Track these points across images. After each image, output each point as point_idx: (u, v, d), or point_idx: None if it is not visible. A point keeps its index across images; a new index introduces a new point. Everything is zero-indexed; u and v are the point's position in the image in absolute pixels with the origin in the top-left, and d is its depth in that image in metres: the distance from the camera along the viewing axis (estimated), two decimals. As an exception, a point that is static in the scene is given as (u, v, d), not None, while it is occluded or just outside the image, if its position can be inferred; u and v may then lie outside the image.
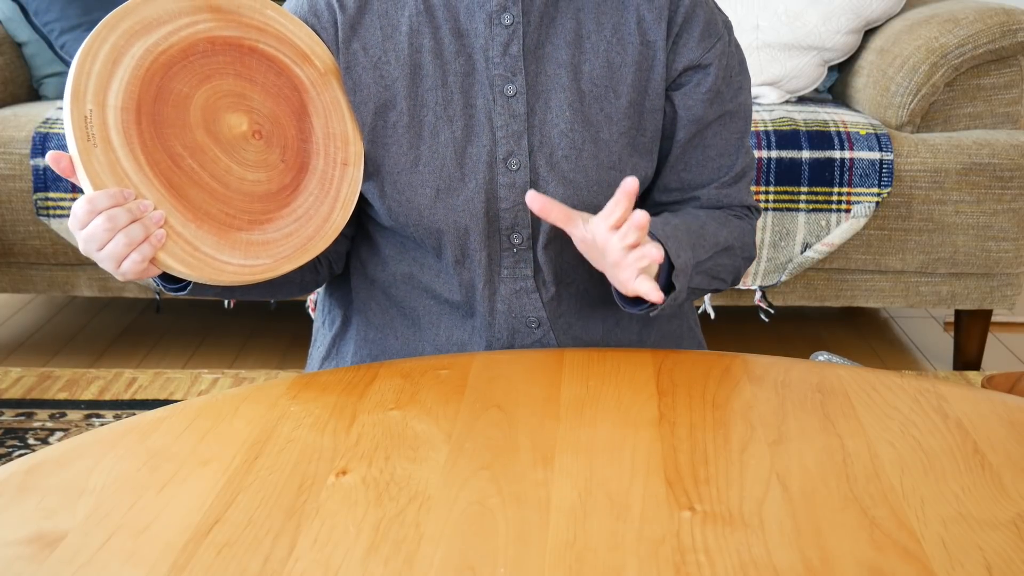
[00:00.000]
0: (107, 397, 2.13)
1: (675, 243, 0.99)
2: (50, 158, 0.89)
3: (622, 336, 1.12)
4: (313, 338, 1.22)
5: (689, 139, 1.08)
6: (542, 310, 1.08)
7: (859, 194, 2.05)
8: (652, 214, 1.11)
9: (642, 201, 1.14)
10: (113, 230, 0.88)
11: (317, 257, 1.09)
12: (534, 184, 1.04)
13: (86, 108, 0.90)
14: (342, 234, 1.10)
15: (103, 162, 0.90)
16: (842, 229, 2.07)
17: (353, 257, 1.14)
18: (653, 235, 0.99)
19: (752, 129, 2.08)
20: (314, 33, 1.04)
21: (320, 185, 1.02)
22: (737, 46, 1.09)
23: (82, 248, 0.91)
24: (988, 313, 2.26)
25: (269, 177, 0.99)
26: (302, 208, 1.00)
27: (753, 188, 2.04)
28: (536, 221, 1.05)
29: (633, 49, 1.05)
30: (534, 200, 0.92)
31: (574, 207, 1.03)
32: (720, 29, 1.07)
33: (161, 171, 0.93)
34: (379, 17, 1.04)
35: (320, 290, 1.21)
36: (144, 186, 0.92)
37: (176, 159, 0.95)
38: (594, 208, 1.05)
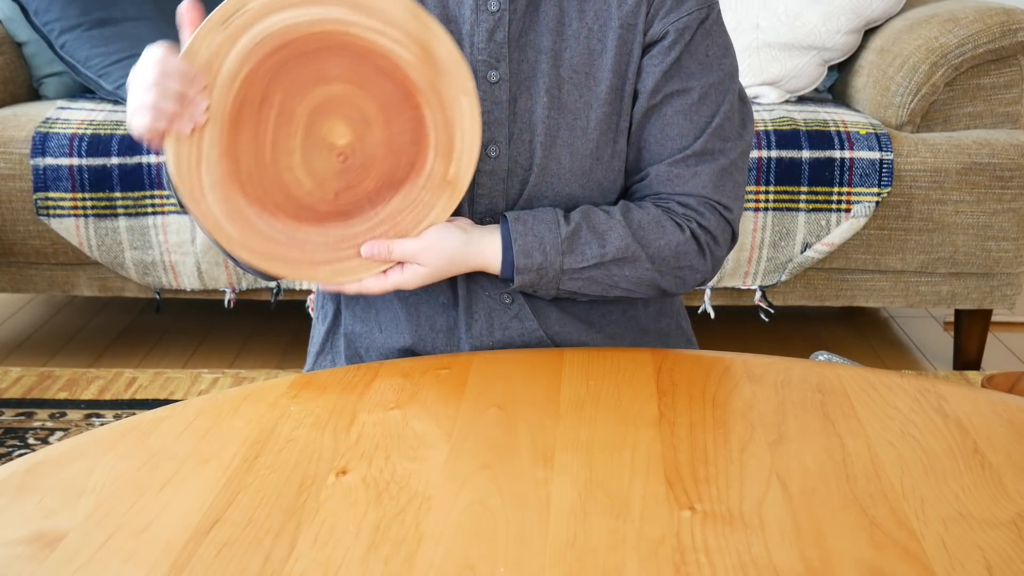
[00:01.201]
0: (107, 397, 2.13)
1: (532, 242, 1.02)
2: (187, 2, 0.91)
3: (605, 325, 1.12)
4: (311, 334, 1.23)
5: (646, 112, 1.06)
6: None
7: (859, 194, 2.05)
8: (602, 202, 1.10)
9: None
10: (159, 94, 0.88)
11: None
12: (511, 171, 1.04)
13: (251, 3, 0.89)
14: None
15: (213, 44, 0.89)
16: (842, 229, 2.07)
17: None
18: (506, 233, 1.03)
19: (752, 129, 2.08)
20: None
21: (329, 248, 1.00)
22: (721, 28, 1.07)
23: (129, 77, 0.92)
24: (988, 313, 2.26)
25: (311, 192, 0.97)
26: (303, 236, 0.98)
27: (753, 188, 2.05)
28: (509, 206, 1.06)
29: (613, 34, 1.04)
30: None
31: (550, 194, 1.05)
32: (692, 5, 1.04)
33: (243, 95, 0.91)
34: None
35: (317, 288, 1.22)
36: (220, 91, 0.90)
37: (264, 101, 0.92)
38: (569, 196, 1.06)
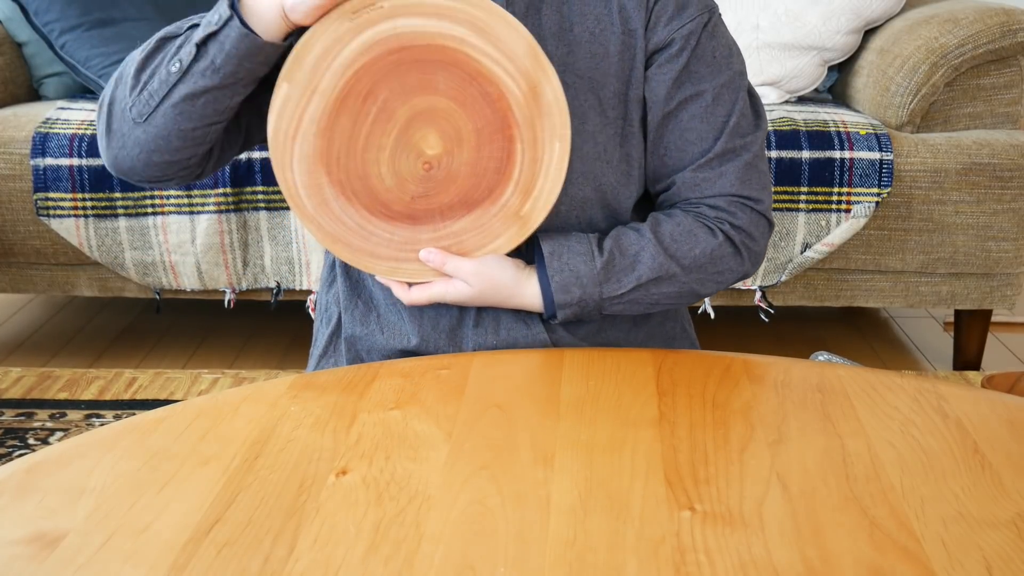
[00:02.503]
0: (107, 397, 2.13)
1: (569, 278, 1.04)
2: None
3: (609, 329, 1.12)
4: (313, 337, 1.23)
5: (662, 121, 1.07)
6: None
7: (859, 194, 2.05)
8: (631, 219, 1.12)
9: (647, 200, 1.14)
10: None
11: (207, 142, 1.05)
12: None
13: (385, 2, 0.93)
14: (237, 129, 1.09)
15: (339, 30, 0.94)
16: (842, 229, 2.07)
17: (339, 260, 1.15)
18: (543, 271, 1.05)
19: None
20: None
21: (394, 250, 1.03)
22: (723, 30, 1.08)
23: None
24: (988, 313, 2.26)
25: (390, 189, 1.00)
26: (371, 228, 1.01)
27: (753, 188, 2.04)
28: None
29: (616, 39, 1.05)
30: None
31: (562, 197, 1.06)
32: (694, 10, 1.05)
33: (352, 83, 0.96)
34: None
35: (318, 289, 1.22)
36: (333, 75, 0.95)
37: (370, 94, 0.96)
38: (583, 199, 1.07)
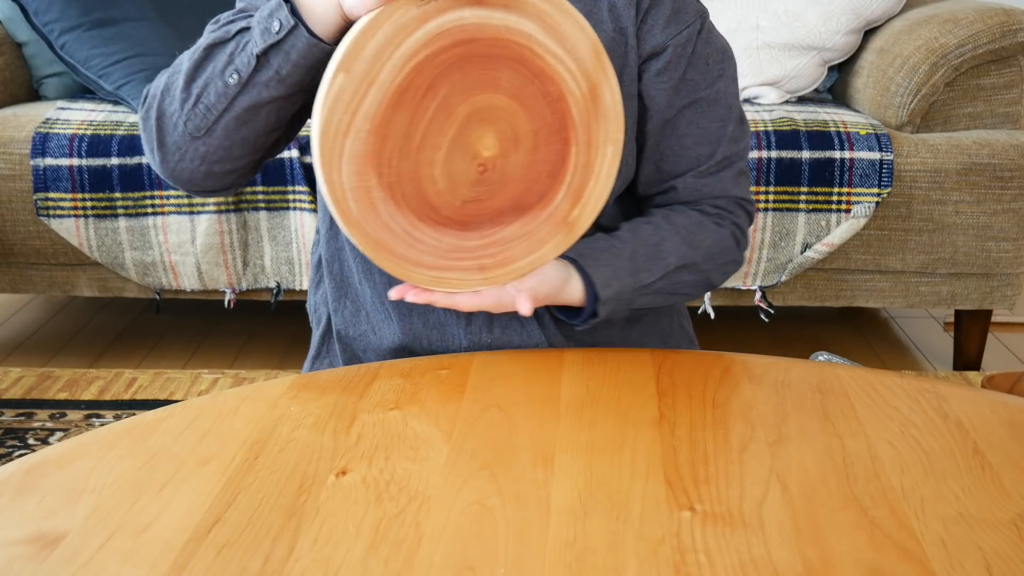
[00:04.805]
0: (107, 397, 2.13)
1: (607, 272, 1.02)
2: None
3: (604, 328, 1.12)
4: (312, 338, 1.23)
5: (661, 128, 1.08)
6: None
7: (859, 194, 2.05)
8: (634, 213, 1.13)
9: (628, 194, 1.14)
10: None
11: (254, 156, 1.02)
12: None
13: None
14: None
15: (403, 19, 0.86)
16: (842, 229, 2.07)
17: (324, 258, 1.14)
18: (581, 267, 1.02)
19: (752, 129, 2.08)
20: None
21: (446, 260, 0.97)
22: (716, 34, 1.08)
23: None
24: (988, 313, 2.26)
25: (441, 193, 0.93)
26: (419, 234, 0.95)
27: (753, 188, 2.04)
28: None
29: (606, 37, 1.05)
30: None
31: None
32: (689, 16, 1.06)
33: (412, 78, 0.88)
34: None
35: (308, 291, 1.21)
36: (392, 68, 0.87)
37: (430, 89, 0.89)
38: None
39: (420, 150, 0.91)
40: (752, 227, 2.07)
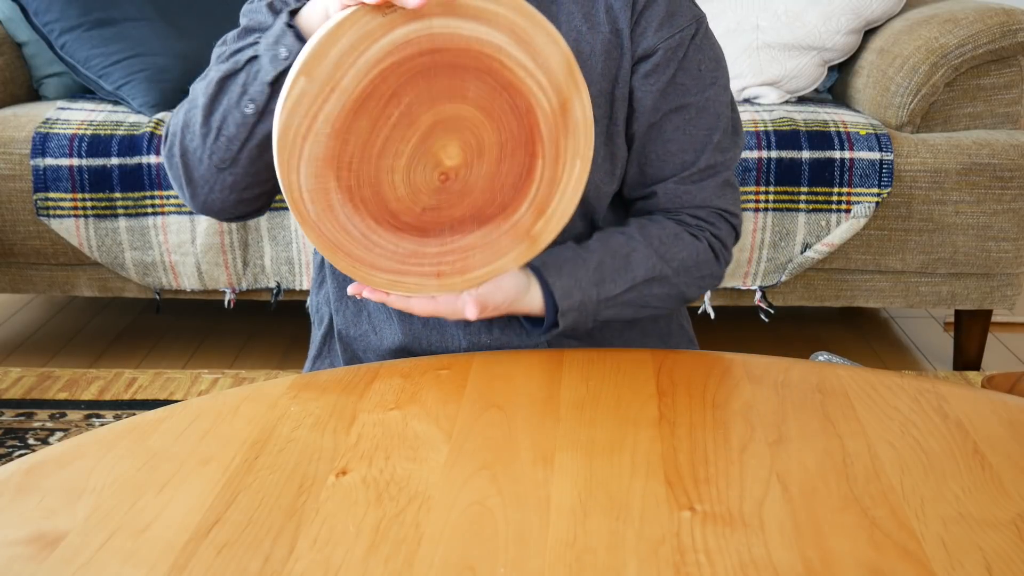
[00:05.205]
0: (107, 397, 2.13)
1: (568, 282, 1.02)
2: None
3: (604, 328, 1.12)
4: (311, 338, 1.23)
5: (646, 131, 1.08)
6: None
7: (859, 194, 2.05)
8: (607, 216, 1.12)
9: (617, 195, 1.14)
10: None
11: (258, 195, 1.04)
12: None
13: None
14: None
15: (368, 26, 0.85)
16: (842, 229, 2.07)
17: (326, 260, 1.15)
18: (542, 276, 1.02)
19: (752, 129, 2.08)
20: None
21: (394, 272, 0.98)
22: (711, 41, 1.08)
23: None
24: (988, 313, 2.26)
25: (401, 199, 0.94)
26: (375, 238, 0.95)
27: (753, 188, 2.05)
28: None
29: (603, 38, 1.05)
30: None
31: None
32: (683, 21, 1.05)
33: (376, 84, 0.87)
34: None
35: (310, 291, 1.22)
36: (356, 74, 0.86)
37: (393, 97, 0.88)
38: None
39: (381, 156, 0.91)
40: (751, 228, 2.07)
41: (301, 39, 0.92)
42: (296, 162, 0.89)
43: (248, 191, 1.01)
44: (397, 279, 0.97)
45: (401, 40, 0.86)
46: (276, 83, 0.93)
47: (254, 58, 0.95)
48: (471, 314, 0.99)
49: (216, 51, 1.03)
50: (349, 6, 0.85)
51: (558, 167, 0.95)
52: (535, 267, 1.03)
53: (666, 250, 1.06)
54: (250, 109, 0.95)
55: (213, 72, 0.98)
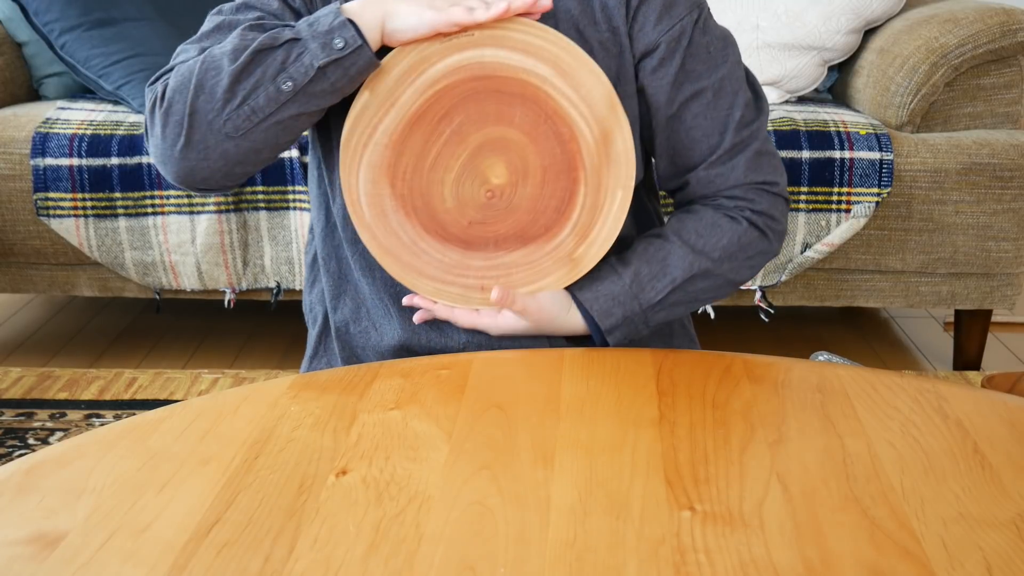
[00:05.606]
0: (107, 397, 2.13)
1: (607, 303, 1.06)
2: None
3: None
4: (307, 339, 1.23)
5: (666, 124, 1.08)
6: None
7: (859, 194, 2.05)
8: (641, 212, 1.14)
9: (643, 186, 1.14)
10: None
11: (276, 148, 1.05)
12: None
13: (478, 32, 0.95)
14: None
15: (428, 49, 0.96)
16: (842, 229, 2.07)
17: (320, 256, 1.14)
18: (578, 299, 1.06)
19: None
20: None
21: (438, 282, 1.05)
22: (713, 24, 1.08)
23: None
24: (988, 313, 2.26)
25: (449, 211, 1.01)
26: (424, 246, 1.02)
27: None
28: None
29: (599, 36, 1.05)
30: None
31: None
32: (681, 11, 1.05)
33: (431, 102, 0.97)
34: None
35: (303, 290, 1.22)
36: (414, 92, 0.97)
37: (446, 116, 0.98)
38: None
39: (432, 169, 1.00)
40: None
41: (361, 35, 0.94)
42: (356, 167, 0.99)
43: (240, 167, 1.00)
44: (442, 288, 1.04)
45: (455, 65, 0.96)
46: (322, 69, 0.95)
47: (295, 40, 0.95)
48: (510, 330, 1.05)
49: (213, 19, 1.03)
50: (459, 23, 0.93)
51: (600, 195, 1.01)
52: (571, 290, 1.06)
53: (704, 243, 1.07)
54: (287, 86, 0.95)
55: (236, 40, 0.96)
